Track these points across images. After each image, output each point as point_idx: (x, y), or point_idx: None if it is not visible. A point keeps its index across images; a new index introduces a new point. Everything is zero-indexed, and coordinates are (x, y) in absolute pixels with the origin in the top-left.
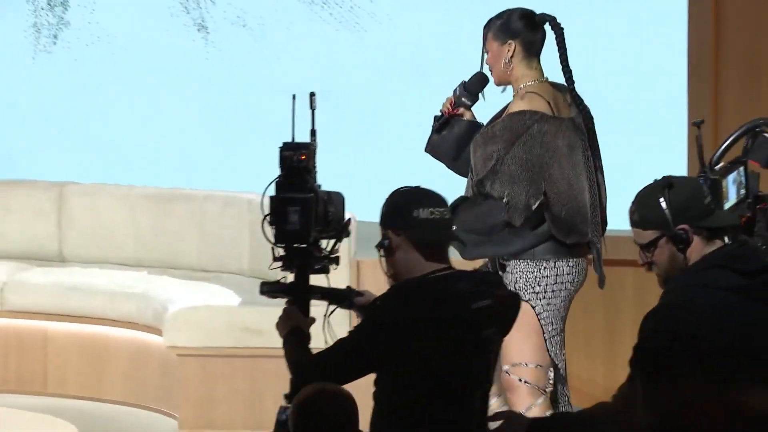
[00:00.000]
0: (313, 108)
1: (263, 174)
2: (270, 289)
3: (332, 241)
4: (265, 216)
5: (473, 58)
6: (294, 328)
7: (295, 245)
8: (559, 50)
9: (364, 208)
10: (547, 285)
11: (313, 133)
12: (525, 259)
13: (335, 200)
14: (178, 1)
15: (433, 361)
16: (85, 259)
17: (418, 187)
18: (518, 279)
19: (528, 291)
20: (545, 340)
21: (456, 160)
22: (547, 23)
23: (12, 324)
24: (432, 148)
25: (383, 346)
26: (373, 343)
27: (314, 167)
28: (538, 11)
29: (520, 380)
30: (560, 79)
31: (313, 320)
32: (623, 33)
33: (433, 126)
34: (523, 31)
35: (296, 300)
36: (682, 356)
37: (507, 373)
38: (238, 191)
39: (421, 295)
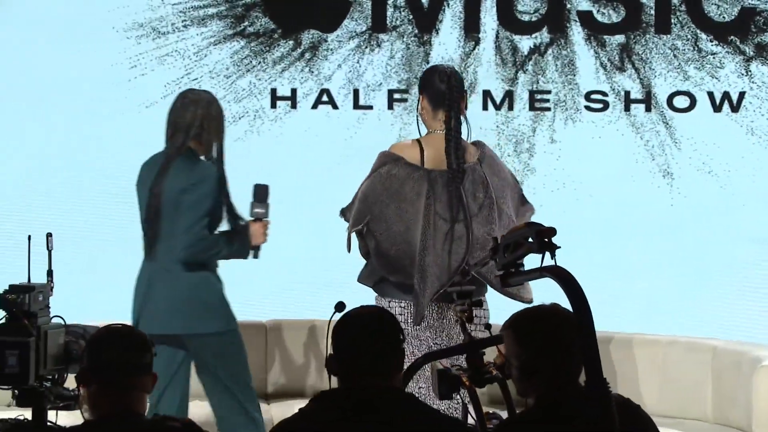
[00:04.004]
0: (50, 249)
1: (727, 319)
2: (3, 427)
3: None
4: None
5: None
6: None
7: (20, 387)
8: (449, 103)
9: None
10: None
11: (49, 273)
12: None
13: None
14: (644, 148)
15: None
16: None
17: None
18: None
19: None
20: None
21: None
22: (449, 77)
23: None
24: None
25: None
26: None
27: (47, 307)
28: None
29: None
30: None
31: None
32: None
33: None
34: (428, 85)
35: None
36: None
37: None
38: (701, 337)
39: None
